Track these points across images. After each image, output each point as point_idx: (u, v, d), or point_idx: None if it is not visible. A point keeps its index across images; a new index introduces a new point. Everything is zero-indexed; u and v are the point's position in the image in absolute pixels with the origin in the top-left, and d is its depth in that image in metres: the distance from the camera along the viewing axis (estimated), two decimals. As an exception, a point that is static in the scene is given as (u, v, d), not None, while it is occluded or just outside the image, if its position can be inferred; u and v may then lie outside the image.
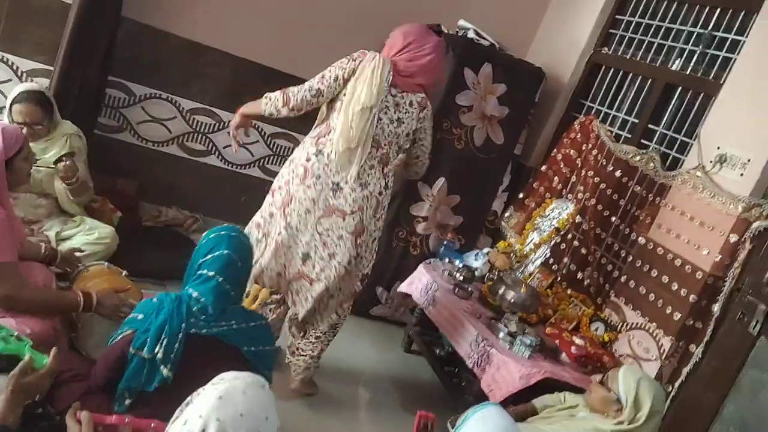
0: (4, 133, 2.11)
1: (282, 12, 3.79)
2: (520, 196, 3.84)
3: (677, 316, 2.72)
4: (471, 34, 3.67)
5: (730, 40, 3.08)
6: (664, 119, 3.30)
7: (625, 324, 3.00)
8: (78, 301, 2.15)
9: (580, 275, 3.35)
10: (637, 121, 3.48)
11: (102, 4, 3.26)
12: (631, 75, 3.63)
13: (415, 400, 3.18)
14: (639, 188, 3.19)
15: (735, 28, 3.07)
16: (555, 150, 3.71)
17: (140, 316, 1.83)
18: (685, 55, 3.31)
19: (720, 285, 2.61)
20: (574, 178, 3.56)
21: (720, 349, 2.52)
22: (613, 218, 3.28)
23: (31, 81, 3.40)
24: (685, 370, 2.61)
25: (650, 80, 3.48)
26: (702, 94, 3.14)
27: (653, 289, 2.89)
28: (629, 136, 3.48)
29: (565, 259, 3.41)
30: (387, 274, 3.73)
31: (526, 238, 3.31)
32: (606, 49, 3.84)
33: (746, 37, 2.94)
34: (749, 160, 2.65)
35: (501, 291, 2.92)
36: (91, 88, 3.39)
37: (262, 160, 4.12)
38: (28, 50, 3.39)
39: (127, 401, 1.77)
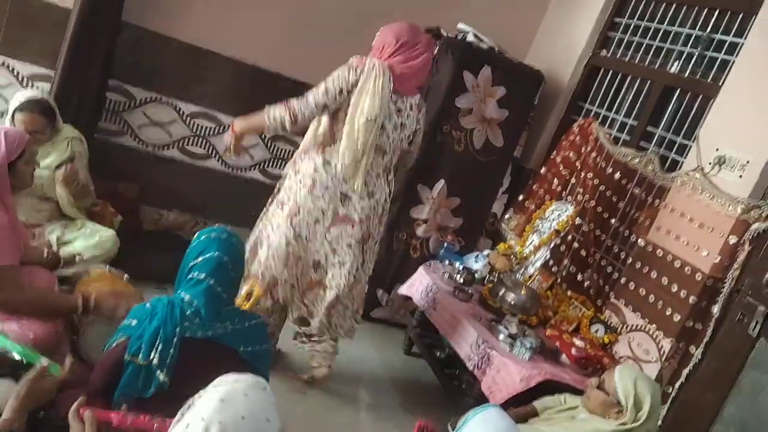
0: (7, 137, 2.11)
1: (282, 15, 3.80)
2: (520, 198, 3.85)
3: (677, 317, 2.72)
4: (470, 38, 3.67)
5: (728, 42, 3.09)
6: (663, 121, 3.31)
7: (625, 325, 3.00)
8: (77, 303, 2.15)
9: (580, 277, 3.35)
10: (636, 123, 3.49)
11: (102, 8, 3.28)
12: (629, 77, 3.63)
13: (416, 403, 3.19)
14: (638, 190, 3.19)
15: (733, 30, 3.08)
16: (554, 152, 3.72)
17: (134, 322, 1.81)
18: (683, 58, 3.32)
19: (719, 286, 2.62)
20: (573, 181, 3.57)
21: (720, 351, 2.52)
22: (613, 220, 3.29)
23: (32, 86, 3.42)
24: (685, 372, 2.62)
25: (649, 82, 3.49)
26: (701, 96, 3.15)
27: (653, 290, 2.89)
28: (628, 138, 3.49)
29: (565, 261, 3.42)
30: (387, 277, 3.74)
31: (526, 240, 3.32)
32: (605, 51, 3.85)
33: (744, 39, 2.95)
34: (748, 162, 2.66)
35: (501, 293, 2.93)
36: (91, 92, 3.41)
37: (262, 164, 4.13)
38: (29, 55, 3.40)
39: (124, 408, 1.76)
